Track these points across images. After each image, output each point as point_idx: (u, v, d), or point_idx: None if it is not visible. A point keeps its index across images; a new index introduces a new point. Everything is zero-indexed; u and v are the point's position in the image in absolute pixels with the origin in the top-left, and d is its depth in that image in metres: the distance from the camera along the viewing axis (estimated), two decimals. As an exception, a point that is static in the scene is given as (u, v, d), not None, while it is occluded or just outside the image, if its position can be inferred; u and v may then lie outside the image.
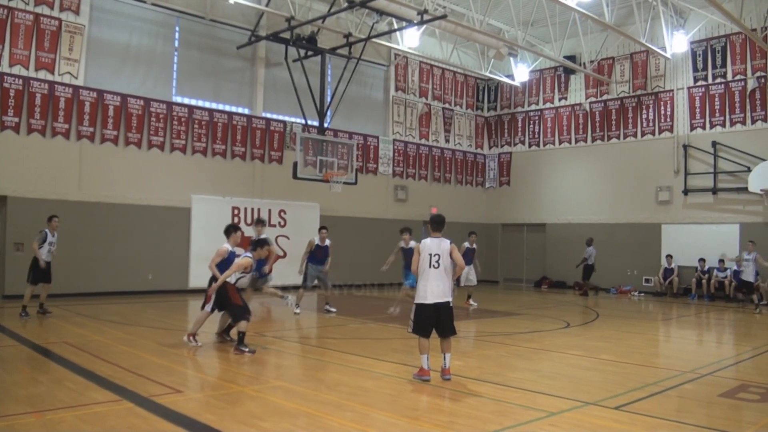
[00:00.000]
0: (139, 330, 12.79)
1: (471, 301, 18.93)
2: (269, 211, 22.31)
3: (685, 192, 23.77)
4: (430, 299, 8.61)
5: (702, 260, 22.53)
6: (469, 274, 18.55)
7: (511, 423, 6.67)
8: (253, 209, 21.93)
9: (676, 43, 22.39)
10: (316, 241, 15.77)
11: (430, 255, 8.67)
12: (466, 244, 16.73)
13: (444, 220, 9.04)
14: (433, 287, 8.62)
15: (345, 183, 20.91)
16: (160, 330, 13.07)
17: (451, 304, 8.78)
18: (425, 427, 6.48)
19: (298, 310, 15.50)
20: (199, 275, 20.17)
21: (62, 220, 17.82)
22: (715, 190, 23.10)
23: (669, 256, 23.38)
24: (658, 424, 6.72)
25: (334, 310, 16.15)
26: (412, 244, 15.91)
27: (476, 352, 11.35)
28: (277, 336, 12.78)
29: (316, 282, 15.99)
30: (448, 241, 8.78)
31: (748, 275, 19.61)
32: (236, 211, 21.56)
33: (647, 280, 24.21)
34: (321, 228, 16.25)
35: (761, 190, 21.36)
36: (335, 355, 10.61)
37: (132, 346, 10.81)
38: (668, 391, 8.31)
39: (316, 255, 15.78)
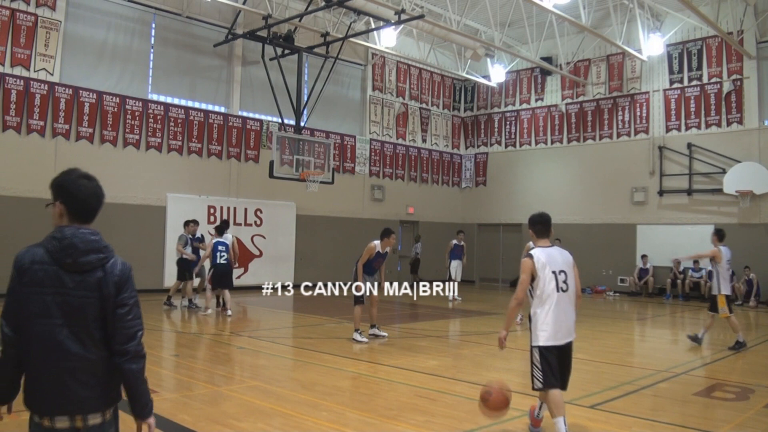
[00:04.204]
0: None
1: (456, 296, 19.99)
2: (245, 210, 22.21)
3: (661, 193, 23.96)
4: (561, 338, 6.03)
5: (677, 261, 22.72)
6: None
7: (486, 422, 6.66)
8: (229, 208, 21.82)
9: (652, 45, 22.53)
10: (377, 248, 12.10)
11: (555, 273, 6.02)
12: (454, 242, 15.91)
13: (551, 221, 6.44)
14: (565, 320, 6.04)
15: (321, 182, 20.88)
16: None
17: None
18: (401, 426, 6.47)
19: (365, 339, 12.11)
20: (174, 274, 20.06)
21: (36, 219, 17.60)
22: (690, 192, 23.30)
23: (644, 257, 23.57)
24: (633, 422, 6.76)
25: (384, 334, 12.57)
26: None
27: (452, 351, 11.36)
28: (253, 336, 12.72)
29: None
30: (567, 252, 6.34)
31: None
32: (212, 210, 21.42)
33: (622, 280, 24.39)
34: (391, 233, 12.19)
35: (736, 192, 21.62)
36: (311, 354, 10.57)
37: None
38: (643, 390, 8.36)
39: (373, 265, 12.31)
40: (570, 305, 6.05)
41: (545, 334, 5.94)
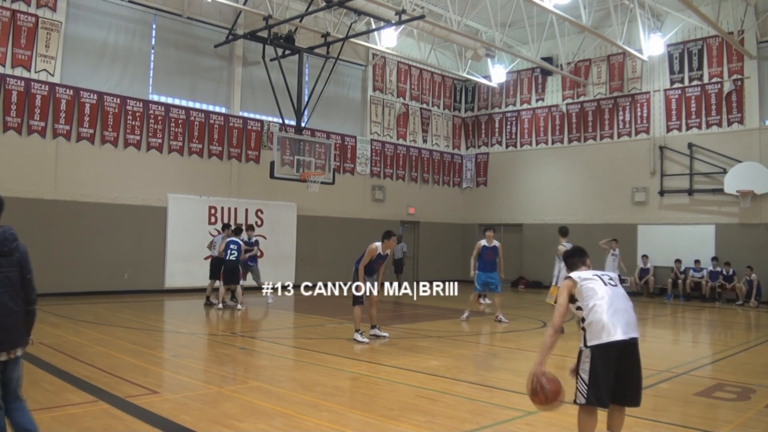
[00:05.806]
0: (115, 330, 12.67)
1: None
2: (246, 210, 22.21)
3: (661, 193, 23.95)
4: (623, 333, 5.22)
5: (678, 261, 22.71)
6: None
7: (487, 422, 6.67)
8: (229, 209, 21.82)
9: (653, 45, 22.52)
10: (379, 250, 11.98)
11: (598, 276, 5.50)
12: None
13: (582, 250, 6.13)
14: (624, 313, 5.34)
15: (322, 183, 20.89)
16: (136, 330, 12.96)
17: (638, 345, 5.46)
18: (402, 426, 6.46)
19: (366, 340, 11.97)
20: (175, 275, 20.11)
21: (37, 219, 17.66)
22: (690, 192, 23.30)
23: (645, 257, 23.55)
24: (634, 422, 6.74)
25: (385, 334, 12.43)
26: (495, 243, 15.18)
27: (453, 352, 11.35)
28: (253, 336, 12.72)
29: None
30: None
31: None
32: (213, 211, 21.42)
33: (623, 280, 24.32)
34: (392, 235, 12.18)
35: (737, 192, 21.61)
36: (312, 355, 10.56)
37: (108, 347, 10.71)
38: (644, 390, 8.31)
39: (374, 266, 12.26)
40: (626, 300, 5.41)
41: (602, 330, 5.20)
